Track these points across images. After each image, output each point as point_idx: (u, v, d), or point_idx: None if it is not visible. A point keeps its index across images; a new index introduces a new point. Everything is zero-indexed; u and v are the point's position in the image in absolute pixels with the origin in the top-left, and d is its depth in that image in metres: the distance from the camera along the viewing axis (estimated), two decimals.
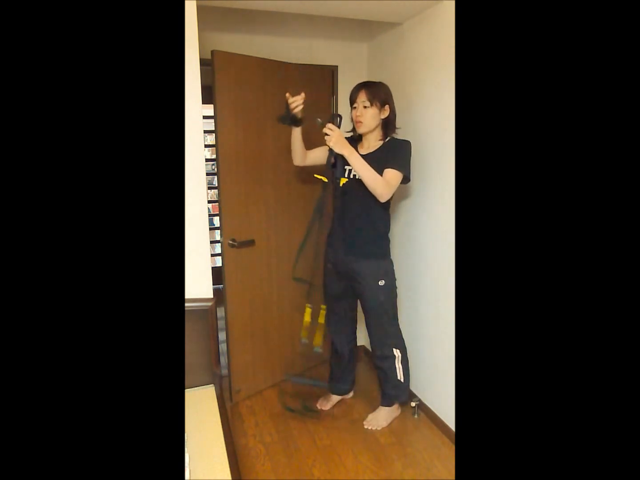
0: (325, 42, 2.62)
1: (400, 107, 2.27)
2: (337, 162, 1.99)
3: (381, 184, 1.90)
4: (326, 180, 2.04)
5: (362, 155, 1.96)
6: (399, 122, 2.31)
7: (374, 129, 2.03)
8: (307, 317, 2.19)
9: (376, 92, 1.97)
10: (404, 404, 2.34)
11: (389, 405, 2.28)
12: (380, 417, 2.26)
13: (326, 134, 1.87)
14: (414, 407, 2.32)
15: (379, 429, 2.22)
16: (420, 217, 2.25)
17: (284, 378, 2.45)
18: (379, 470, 1.95)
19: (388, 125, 2.04)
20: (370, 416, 2.28)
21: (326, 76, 2.59)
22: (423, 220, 2.23)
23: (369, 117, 1.99)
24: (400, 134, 2.33)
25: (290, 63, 2.33)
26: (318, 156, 2.15)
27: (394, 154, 1.99)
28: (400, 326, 2.23)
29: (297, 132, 2.03)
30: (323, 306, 2.19)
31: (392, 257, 2.15)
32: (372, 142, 2.06)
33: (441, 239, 2.09)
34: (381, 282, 2.08)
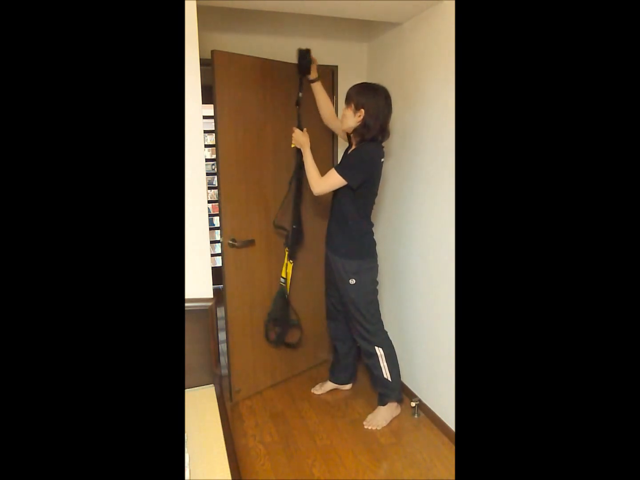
0: (325, 42, 2.62)
1: (400, 107, 2.27)
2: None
3: (315, 179, 2.06)
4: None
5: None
6: (399, 122, 2.32)
7: (353, 130, 2.07)
8: (286, 260, 2.46)
9: (351, 94, 2.02)
10: (400, 402, 2.34)
11: (383, 404, 2.29)
12: (379, 417, 2.26)
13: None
14: (414, 407, 2.32)
15: (378, 428, 2.22)
16: (421, 217, 2.25)
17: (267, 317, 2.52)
18: (379, 470, 1.95)
19: (360, 130, 2.02)
20: (369, 416, 2.29)
21: (326, 76, 2.59)
22: (423, 221, 2.23)
23: (344, 117, 2.07)
24: (400, 134, 2.34)
25: (290, 63, 2.33)
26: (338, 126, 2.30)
27: (345, 157, 2.14)
28: (400, 326, 2.23)
29: (316, 87, 2.29)
30: (289, 261, 2.44)
31: (392, 257, 2.14)
32: (354, 143, 2.13)
33: (441, 239, 2.09)
34: (352, 281, 2.15)
